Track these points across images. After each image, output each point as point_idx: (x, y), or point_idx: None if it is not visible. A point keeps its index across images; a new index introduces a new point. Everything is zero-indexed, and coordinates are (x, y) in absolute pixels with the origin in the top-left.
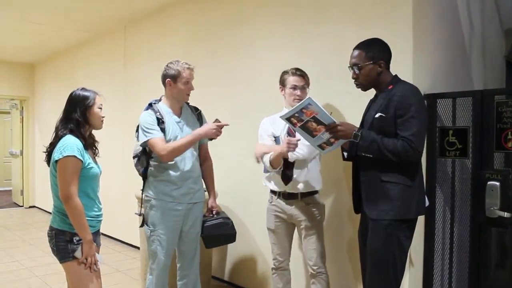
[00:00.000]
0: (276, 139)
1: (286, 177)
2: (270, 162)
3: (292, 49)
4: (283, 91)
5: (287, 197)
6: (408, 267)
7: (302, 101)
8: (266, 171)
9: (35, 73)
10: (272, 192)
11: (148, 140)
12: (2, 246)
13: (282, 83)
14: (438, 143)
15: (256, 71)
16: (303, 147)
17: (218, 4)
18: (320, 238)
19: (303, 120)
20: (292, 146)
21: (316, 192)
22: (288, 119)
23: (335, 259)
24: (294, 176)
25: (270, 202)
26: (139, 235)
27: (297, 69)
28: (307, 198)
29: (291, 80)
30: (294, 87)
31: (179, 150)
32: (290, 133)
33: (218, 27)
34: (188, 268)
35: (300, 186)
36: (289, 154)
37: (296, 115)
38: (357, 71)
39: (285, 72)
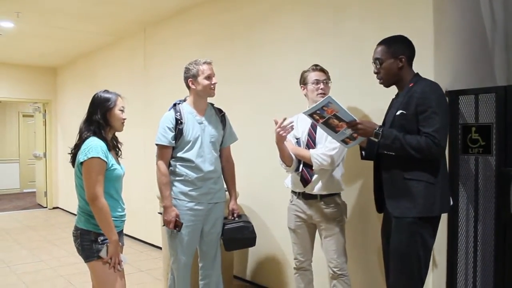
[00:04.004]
0: (298, 141)
1: (305, 179)
2: (281, 159)
3: (311, 48)
4: (304, 89)
5: (306, 197)
6: (432, 267)
7: (322, 99)
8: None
9: (57, 77)
10: (293, 192)
11: (157, 144)
12: (28, 246)
13: (303, 81)
14: (460, 140)
15: (275, 70)
16: (326, 157)
17: (236, 4)
18: (341, 239)
19: (324, 117)
20: (284, 131)
21: (337, 193)
22: (311, 115)
23: (361, 259)
24: (313, 178)
25: (291, 202)
26: (161, 235)
27: (316, 65)
28: (327, 199)
29: (312, 75)
30: (317, 82)
31: (159, 188)
32: (310, 135)
33: (236, 28)
34: (210, 267)
35: (319, 189)
36: (313, 164)
37: (318, 112)
38: (378, 66)
39: (304, 71)
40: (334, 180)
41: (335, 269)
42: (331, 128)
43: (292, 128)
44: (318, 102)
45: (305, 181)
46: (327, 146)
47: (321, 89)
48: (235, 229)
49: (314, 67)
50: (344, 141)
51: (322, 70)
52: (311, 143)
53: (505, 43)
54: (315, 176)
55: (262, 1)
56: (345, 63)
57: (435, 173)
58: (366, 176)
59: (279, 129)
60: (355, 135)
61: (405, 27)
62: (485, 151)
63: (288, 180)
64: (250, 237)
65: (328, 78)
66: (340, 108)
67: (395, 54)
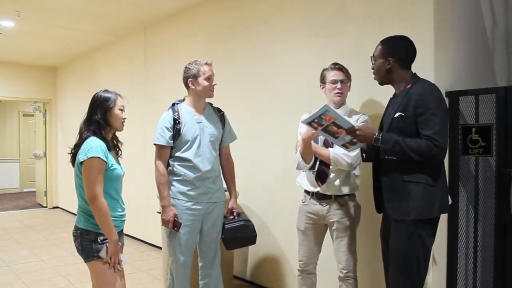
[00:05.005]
0: (315, 139)
1: (321, 178)
2: (301, 156)
3: (312, 48)
4: (323, 88)
5: (320, 197)
6: (432, 267)
7: (319, 108)
8: (298, 168)
9: (57, 76)
10: (306, 192)
11: (155, 144)
12: (28, 245)
13: (322, 80)
14: (460, 141)
15: (276, 70)
16: (346, 158)
17: (237, 4)
18: (353, 240)
19: (323, 125)
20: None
21: (351, 194)
22: (309, 124)
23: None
24: (330, 178)
25: (303, 202)
26: (161, 235)
27: (336, 63)
28: (341, 199)
29: (330, 74)
30: (334, 81)
31: (158, 188)
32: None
33: (237, 28)
34: (209, 267)
35: (335, 189)
36: (332, 163)
37: (316, 120)
38: (372, 63)
39: (324, 69)
40: (350, 181)
41: (344, 271)
42: (331, 134)
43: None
44: (315, 111)
45: (320, 181)
46: None
47: (338, 89)
48: (235, 228)
49: (333, 66)
50: (344, 146)
51: (341, 69)
52: (329, 142)
53: (506, 44)
54: (331, 176)
55: (263, 1)
56: (346, 63)
57: (434, 175)
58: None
59: (308, 135)
60: (355, 140)
61: (405, 28)
62: (485, 152)
63: (300, 178)
64: (251, 235)
65: (347, 78)
66: (338, 116)
67: (385, 55)
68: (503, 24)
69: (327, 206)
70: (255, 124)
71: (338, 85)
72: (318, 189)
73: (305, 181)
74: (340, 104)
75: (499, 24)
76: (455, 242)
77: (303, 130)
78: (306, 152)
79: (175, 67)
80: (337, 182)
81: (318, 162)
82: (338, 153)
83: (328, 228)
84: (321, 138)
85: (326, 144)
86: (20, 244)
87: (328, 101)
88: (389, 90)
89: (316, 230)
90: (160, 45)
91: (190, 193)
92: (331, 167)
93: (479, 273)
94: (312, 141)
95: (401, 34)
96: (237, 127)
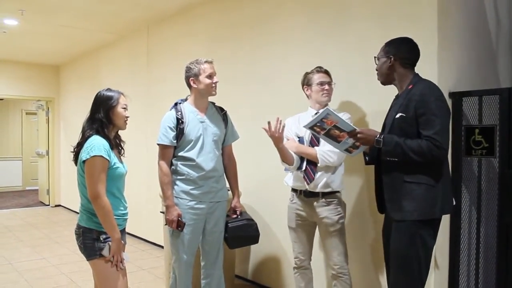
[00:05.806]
0: (300, 139)
1: (308, 177)
2: (282, 160)
3: (314, 49)
4: (308, 90)
5: (308, 195)
6: (433, 268)
7: (321, 112)
8: (286, 169)
9: (60, 75)
10: (293, 190)
11: (158, 144)
12: (30, 243)
13: (307, 82)
14: (464, 142)
15: (277, 70)
16: (332, 154)
17: (240, 4)
18: (342, 237)
19: (325, 129)
20: (277, 132)
21: (338, 191)
22: (311, 128)
23: (359, 259)
24: (317, 176)
25: (291, 201)
26: (163, 234)
27: (320, 67)
28: (328, 197)
29: (317, 77)
30: (322, 83)
31: (161, 188)
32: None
33: (239, 27)
34: (212, 267)
35: (322, 187)
36: (320, 161)
37: (318, 124)
38: (376, 63)
39: (307, 73)
40: (336, 178)
41: (335, 267)
42: (333, 138)
43: (282, 125)
44: (317, 115)
45: (308, 179)
46: None
47: (326, 90)
48: (239, 227)
49: (318, 69)
50: (347, 150)
51: (326, 72)
52: (315, 141)
53: (510, 45)
54: (318, 174)
55: (265, 1)
56: (348, 64)
57: (435, 175)
58: (366, 176)
59: (271, 134)
60: (357, 143)
61: (409, 28)
62: (489, 153)
63: (288, 178)
64: (254, 234)
65: (332, 81)
66: (339, 119)
67: (387, 53)
68: (507, 25)
69: (314, 204)
70: (256, 123)
71: (326, 86)
72: (305, 187)
73: (292, 180)
74: (325, 104)
75: (503, 25)
76: (457, 244)
77: (290, 134)
78: (285, 156)
79: (177, 67)
80: (324, 180)
81: (305, 162)
82: (324, 150)
83: (317, 226)
84: (307, 139)
85: (312, 144)
86: (22, 242)
87: (312, 102)
88: (391, 90)
89: (306, 226)
90: (163, 44)
91: (193, 192)
92: (318, 165)
93: (481, 274)
94: (295, 142)
95: (404, 34)
96: (238, 126)
